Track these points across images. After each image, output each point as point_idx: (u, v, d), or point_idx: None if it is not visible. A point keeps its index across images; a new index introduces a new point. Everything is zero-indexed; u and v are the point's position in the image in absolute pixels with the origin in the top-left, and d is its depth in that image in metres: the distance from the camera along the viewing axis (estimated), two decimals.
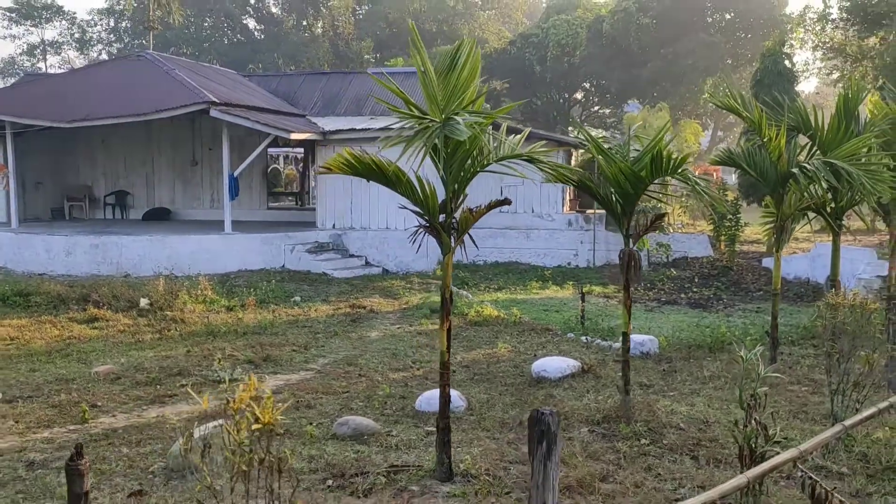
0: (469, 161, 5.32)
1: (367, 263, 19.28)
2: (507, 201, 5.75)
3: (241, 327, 12.01)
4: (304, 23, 59.23)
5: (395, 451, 5.82)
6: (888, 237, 11.12)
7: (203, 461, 4.34)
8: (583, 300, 13.15)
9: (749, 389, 4.20)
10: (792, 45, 25.12)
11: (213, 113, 17.35)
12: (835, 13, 22.97)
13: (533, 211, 21.70)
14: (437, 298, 15.37)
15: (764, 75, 19.40)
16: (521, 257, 21.33)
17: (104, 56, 57.81)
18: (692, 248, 21.15)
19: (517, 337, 11.70)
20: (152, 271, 16.98)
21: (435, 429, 6.69)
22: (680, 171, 5.92)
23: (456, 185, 5.38)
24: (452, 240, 5.63)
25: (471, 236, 5.85)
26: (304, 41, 54.89)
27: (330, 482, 5.09)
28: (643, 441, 5.96)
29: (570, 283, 18.51)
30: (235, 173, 18.59)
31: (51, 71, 57.37)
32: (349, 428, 6.24)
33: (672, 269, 19.82)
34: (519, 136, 5.82)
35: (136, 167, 23.86)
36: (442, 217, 5.56)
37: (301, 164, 31.38)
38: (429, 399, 7.14)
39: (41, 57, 57.36)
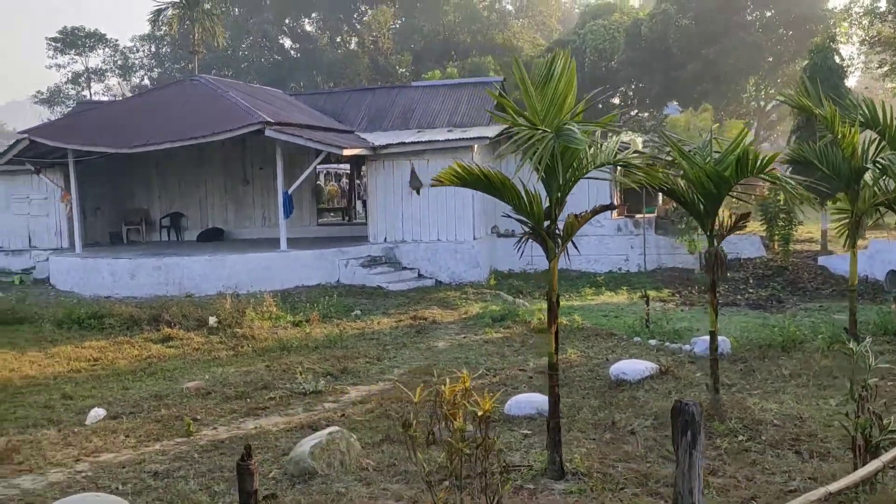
0: (570, 169, 5.46)
1: (420, 276, 19.50)
2: (612, 206, 5.89)
3: (311, 341, 12.28)
4: (339, 39, 60.11)
5: (497, 453, 5.98)
6: None
7: (328, 464, 4.56)
8: (647, 304, 13.20)
9: (859, 381, 4.28)
10: (837, 40, 24.85)
11: (268, 133, 17.76)
12: (883, 6, 22.70)
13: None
14: (497, 308, 15.63)
15: (814, 71, 19.25)
16: (571, 264, 21.31)
17: (146, 81, 59.26)
18: (744, 249, 21.00)
19: (584, 342, 11.79)
20: (213, 290, 17.40)
21: (529, 432, 6.86)
22: (767, 170, 6.01)
23: (559, 193, 5.54)
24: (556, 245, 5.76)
25: (573, 242, 6.01)
26: (340, 57, 55.67)
27: (446, 483, 5.28)
28: (741, 437, 6.04)
29: (624, 288, 18.54)
30: (290, 191, 18.99)
31: (95, 98, 58.96)
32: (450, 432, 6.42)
33: (727, 272, 19.68)
34: (614, 141, 5.95)
35: (190, 189, 24.45)
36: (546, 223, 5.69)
37: (345, 180, 31.84)
38: (517, 403, 7.29)
39: (85, 84, 58.92)
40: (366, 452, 6.11)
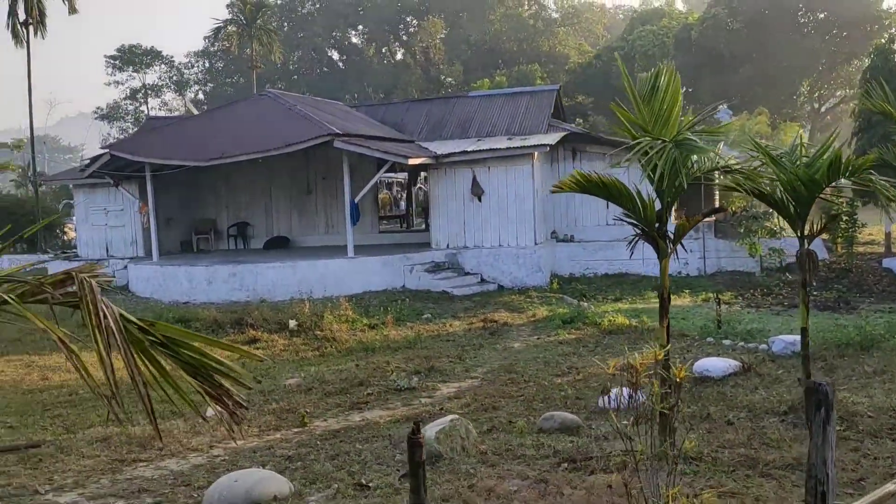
0: (679, 175, 5.84)
1: (483, 280, 19.92)
2: (722, 209, 6.27)
3: (391, 343, 12.81)
4: (384, 50, 61.11)
5: (604, 441, 6.40)
6: None
7: (451, 448, 5.01)
8: (719, 305, 13.45)
9: None
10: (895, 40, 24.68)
11: (337, 144, 18.41)
12: None
13: None
14: (563, 311, 15.99)
15: (874, 73, 19.23)
16: (630, 268, 21.48)
17: (200, 96, 60.96)
18: None
19: (658, 342, 12.07)
20: (286, 295, 18.06)
21: (630, 422, 7.23)
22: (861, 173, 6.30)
23: (669, 198, 5.91)
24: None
25: (679, 240, 6.36)
26: (389, 69, 56.61)
27: (564, 465, 5.70)
28: (839, 427, 6.34)
29: (686, 291, 18.72)
30: (356, 199, 19.61)
31: (152, 113, 60.86)
32: (556, 422, 6.85)
33: (787, 274, 19.75)
34: (717, 148, 6.32)
35: (256, 199, 25.29)
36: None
37: (397, 188, 32.46)
38: (613, 397, 7.68)
39: (143, 100, 60.80)
40: (481, 439, 6.56)
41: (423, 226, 28.34)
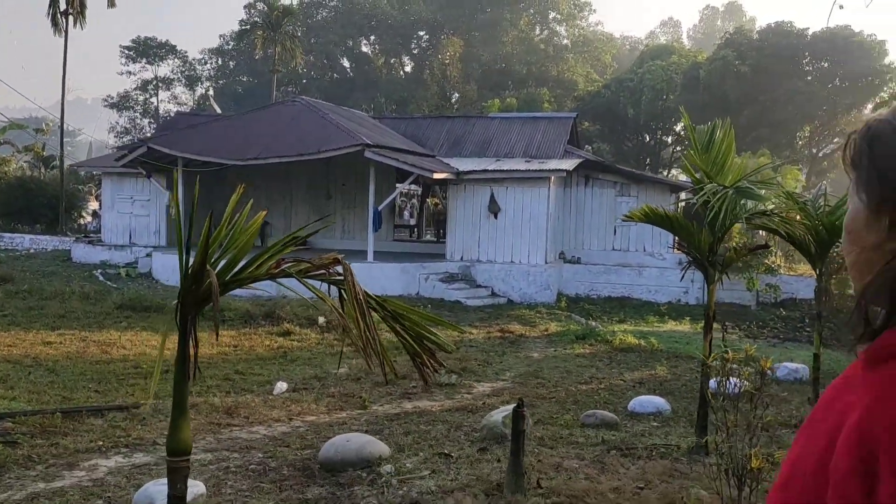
0: (723, 214, 6.80)
1: (494, 294, 20.90)
2: (766, 245, 7.27)
3: None
4: (393, 61, 62.26)
5: (641, 437, 7.36)
6: None
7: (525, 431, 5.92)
8: (725, 331, 14.44)
9: None
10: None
11: (368, 154, 19.38)
12: None
13: (644, 250, 23.02)
14: (575, 327, 17.00)
15: None
16: (632, 293, 22.58)
17: (211, 92, 61.77)
18: (800, 289, 22.08)
19: (666, 362, 13.09)
20: (307, 293, 18.90)
21: (657, 424, 8.22)
22: None
23: (720, 233, 6.87)
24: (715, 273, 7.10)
25: (727, 269, 7.32)
26: (396, 80, 57.75)
27: (614, 452, 6.65)
28: None
29: (687, 318, 19.75)
30: (380, 208, 20.57)
31: (162, 105, 61.64)
32: (596, 419, 7.81)
33: (781, 310, 20.83)
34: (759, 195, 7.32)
35: (276, 200, 26.17)
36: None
37: (413, 199, 33.44)
38: (640, 402, 8.68)
39: (153, 92, 61.54)
40: (535, 428, 7.52)
41: (435, 237, 29.35)
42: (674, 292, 22.47)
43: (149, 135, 39.27)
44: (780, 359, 13.72)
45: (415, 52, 60.96)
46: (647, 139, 45.91)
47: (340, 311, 3.99)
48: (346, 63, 63.47)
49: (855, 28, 37.76)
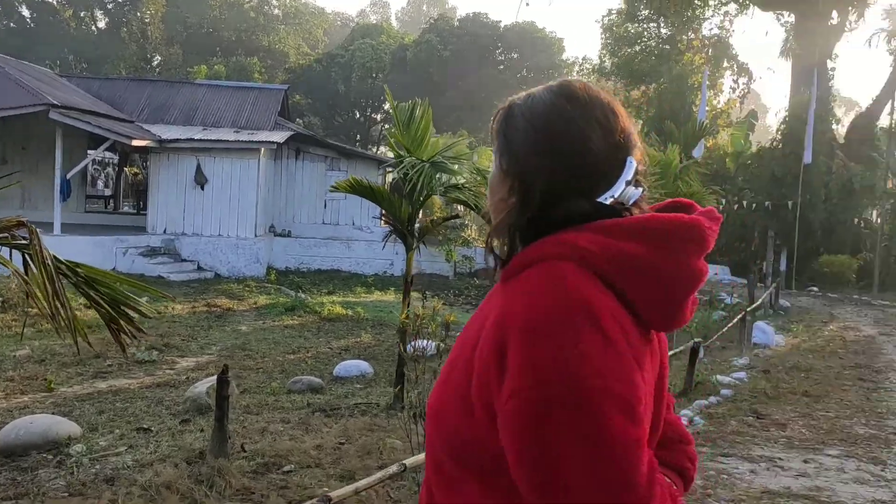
0: (420, 186, 7.30)
1: (200, 268, 20.17)
2: (456, 216, 7.86)
3: None
4: (84, 15, 56.41)
5: (345, 398, 7.69)
6: None
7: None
8: (425, 298, 15.42)
9: None
10: None
11: (53, 115, 17.51)
12: (608, 66, 27.66)
13: (353, 223, 23.70)
14: (284, 300, 17.04)
15: None
16: (342, 265, 23.16)
17: None
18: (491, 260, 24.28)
19: (371, 330, 13.73)
20: None
21: (360, 386, 8.65)
22: None
23: (418, 205, 7.32)
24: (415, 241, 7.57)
25: (423, 238, 7.83)
26: (87, 36, 52.43)
27: (318, 413, 6.88)
28: None
29: (392, 289, 20.78)
30: (68, 176, 18.74)
31: None
32: (303, 384, 8.00)
33: (475, 279, 22.82)
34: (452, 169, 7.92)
35: None
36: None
37: (111, 169, 30.79)
38: (345, 367, 9.07)
39: None
40: (242, 397, 7.50)
41: (135, 209, 27.39)
42: (381, 265, 23.43)
43: None
44: (465, 319, 15.07)
45: (109, 6, 55.70)
46: (358, 116, 46.97)
47: (25, 276, 3.68)
48: (25, 12, 56.12)
49: (539, 25, 42.08)
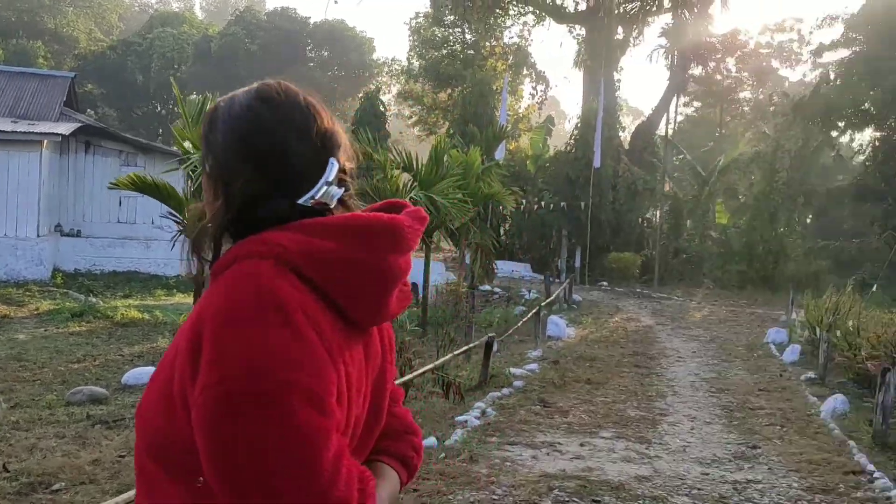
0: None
1: None
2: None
3: None
4: None
5: (132, 408, 7.23)
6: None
7: None
8: None
9: None
10: (380, 90, 29.80)
11: None
12: (416, 67, 28.18)
13: (153, 222, 22.39)
14: (72, 305, 15.74)
15: (363, 115, 23.18)
16: (140, 267, 21.80)
17: None
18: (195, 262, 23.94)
19: (171, 334, 13.07)
20: None
21: None
22: None
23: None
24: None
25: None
26: None
27: (99, 426, 6.42)
28: None
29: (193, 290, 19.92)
30: None
31: None
32: (83, 395, 7.41)
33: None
34: None
35: None
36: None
37: None
38: (135, 374, 8.53)
39: None
40: (10, 413, 6.83)
41: None
42: (185, 265, 22.34)
43: None
44: None
45: None
46: (159, 109, 44.45)
47: None
48: None
49: (350, 23, 42.02)
